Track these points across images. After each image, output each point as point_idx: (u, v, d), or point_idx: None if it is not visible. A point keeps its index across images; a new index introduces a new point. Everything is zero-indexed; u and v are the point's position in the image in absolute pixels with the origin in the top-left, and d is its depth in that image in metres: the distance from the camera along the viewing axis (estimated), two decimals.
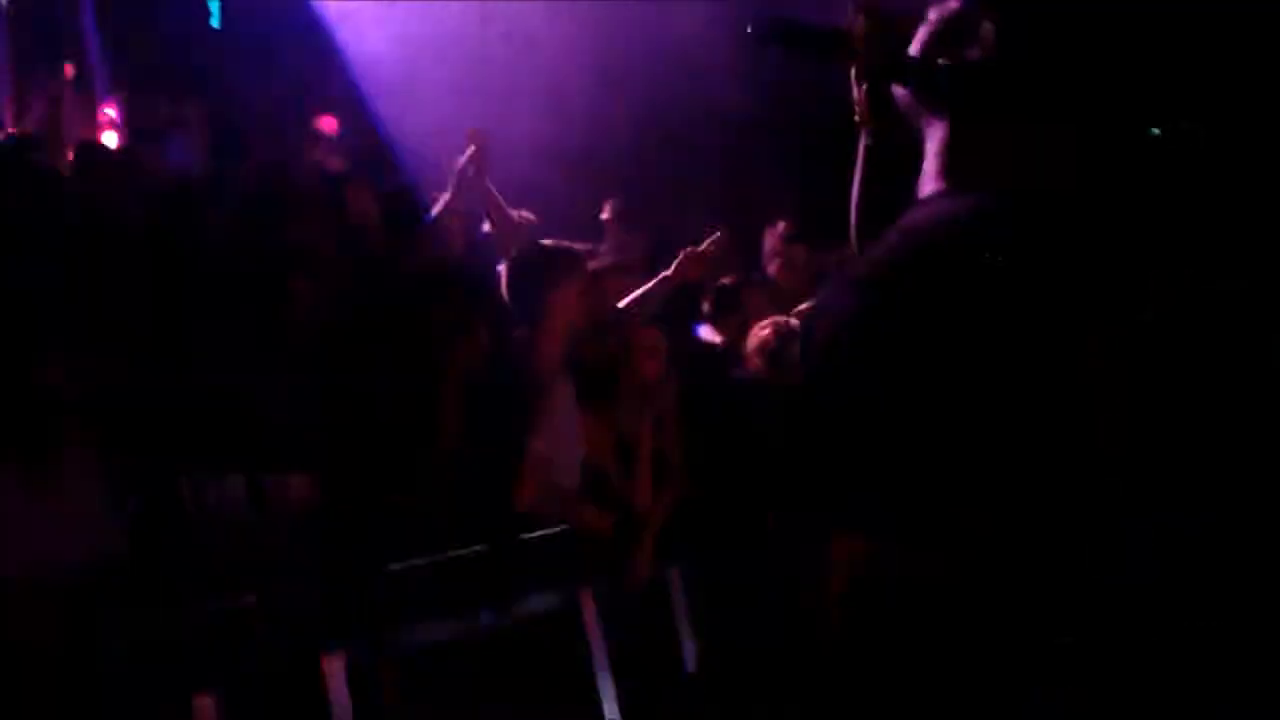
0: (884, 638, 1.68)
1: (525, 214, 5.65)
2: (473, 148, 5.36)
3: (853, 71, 1.92)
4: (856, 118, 1.96)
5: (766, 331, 4.56)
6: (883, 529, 1.64)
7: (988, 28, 1.72)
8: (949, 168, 1.76)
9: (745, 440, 4.32)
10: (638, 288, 4.80)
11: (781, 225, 6.40)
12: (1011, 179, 1.71)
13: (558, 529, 4.13)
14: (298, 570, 3.64)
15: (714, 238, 4.94)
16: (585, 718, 4.08)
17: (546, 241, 4.46)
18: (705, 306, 5.42)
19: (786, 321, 4.57)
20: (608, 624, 4.18)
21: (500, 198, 5.49)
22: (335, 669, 3.49)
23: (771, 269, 6.28)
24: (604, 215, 6.51)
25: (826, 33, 1.89)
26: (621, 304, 4.68)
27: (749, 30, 1.82)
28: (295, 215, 4.98)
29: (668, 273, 4.83)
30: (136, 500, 3.53)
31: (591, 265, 4.60)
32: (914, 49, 1.81)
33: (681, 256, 4.84)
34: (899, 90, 1.82)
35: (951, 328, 1.59)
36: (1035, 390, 1.60)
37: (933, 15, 1.80)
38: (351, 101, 6.85)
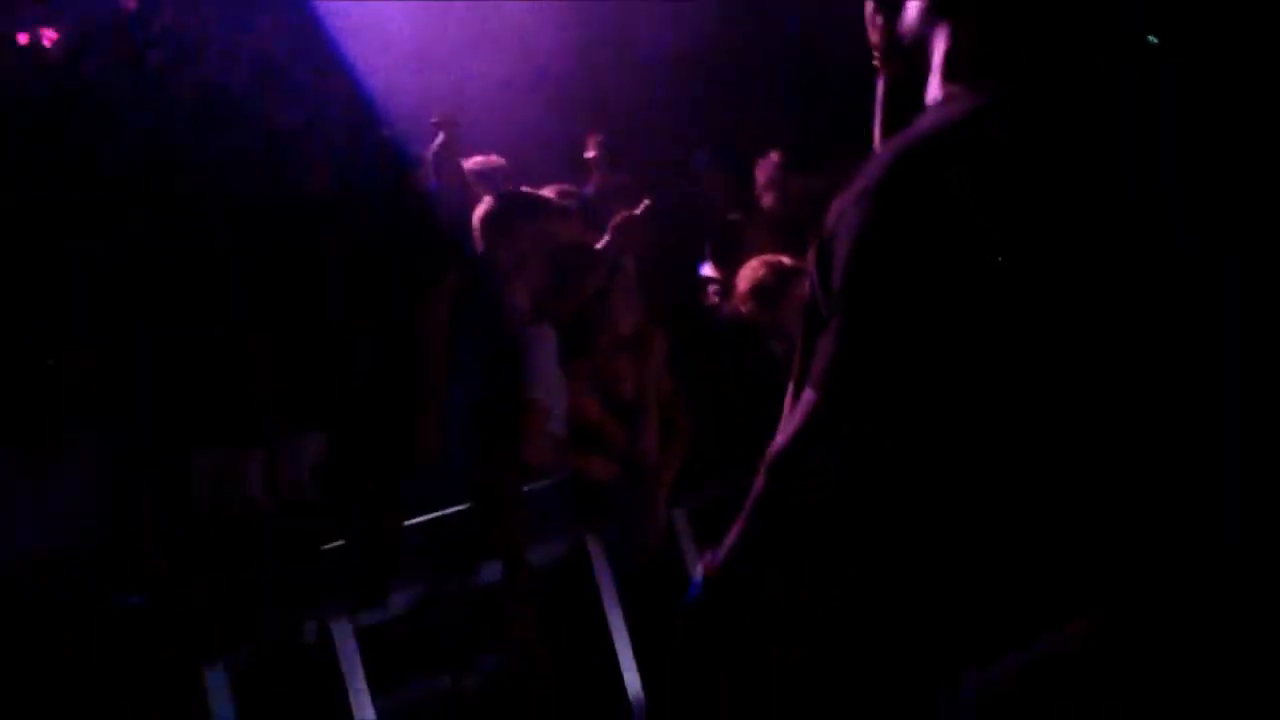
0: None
1: (494, 158, 5.47)
2: (442, 136, 5.14)
3: (870, 7, 1.93)
4: (875, 60, 1.99)
5: (761, 272, 4.44)
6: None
7: None
8: (948, 77, 1.81)
9: (739, 382, 4.27)
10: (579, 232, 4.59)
11: (774, 156, 6.25)
12: (1010, 85, 1.76)
13: (560, 478, 4.13)
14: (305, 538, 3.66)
15: (644, 205, 4.80)
16: (599, 658, 4.10)
17: (506, 190, 4.36)
18: (707, 245, 5.34)
19: (780, 260, 4.48)
20: (616, 568, 4.18)
21: (470, 176, 5.28)
22: (344, 633, 3.52)
23: (766, 201, 6.16)
24: (588, 154, 6.35)
25: None
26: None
27: None
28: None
29: (604, 245, 4.64)
30: (141, 479, 3.53)
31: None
32: None
33: (612, 227, 4.68)
34: (909, 12, 1.86)
35: (961, 226, 1.65)
36: (1055, 290, 1.66)
37: None
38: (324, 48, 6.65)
